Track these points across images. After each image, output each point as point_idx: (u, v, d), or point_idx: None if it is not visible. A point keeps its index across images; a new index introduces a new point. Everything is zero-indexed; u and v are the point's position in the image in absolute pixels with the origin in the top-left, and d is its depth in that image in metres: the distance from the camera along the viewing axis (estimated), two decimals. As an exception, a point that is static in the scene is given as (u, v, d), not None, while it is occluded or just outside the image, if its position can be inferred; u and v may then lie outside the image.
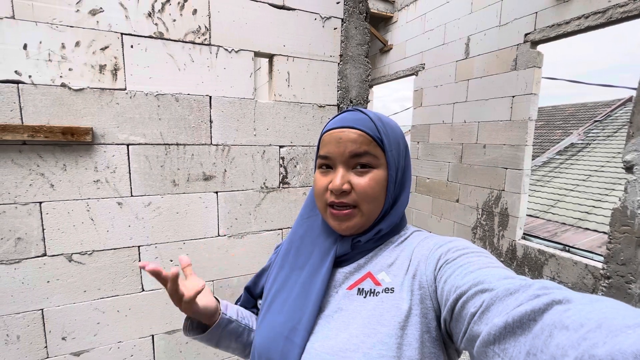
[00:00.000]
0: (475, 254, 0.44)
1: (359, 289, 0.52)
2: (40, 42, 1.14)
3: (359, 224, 0.53)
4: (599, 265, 2.52)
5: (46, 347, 1.26)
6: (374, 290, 0.50)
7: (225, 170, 1.48)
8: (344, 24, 1.64)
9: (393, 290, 0.49)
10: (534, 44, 3.02)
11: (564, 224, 4.14)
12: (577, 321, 0.27)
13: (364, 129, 0.52)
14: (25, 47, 1.12)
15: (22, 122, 1.14)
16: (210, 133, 1.43)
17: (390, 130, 0.54)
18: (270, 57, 1.52)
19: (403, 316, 0.46)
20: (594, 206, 4.32)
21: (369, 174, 0.52)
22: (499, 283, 0.36)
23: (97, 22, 1.20)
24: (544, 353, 0.27)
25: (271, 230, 1.61)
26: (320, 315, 0.52)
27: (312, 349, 0.49)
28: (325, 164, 0.55)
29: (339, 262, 0.56)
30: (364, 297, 0.50)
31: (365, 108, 1.77)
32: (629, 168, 2.06)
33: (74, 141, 1.19)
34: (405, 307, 0.46)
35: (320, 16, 1.57)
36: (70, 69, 1.19)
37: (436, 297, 0.46)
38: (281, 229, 1.64)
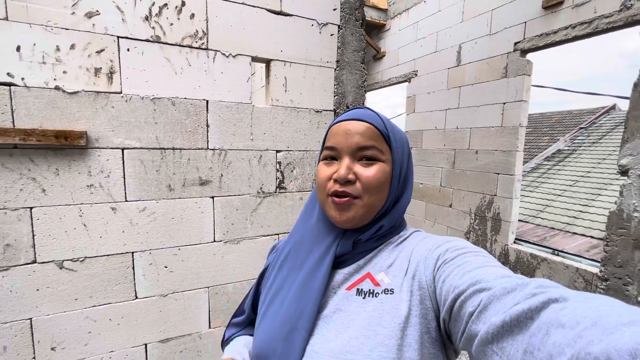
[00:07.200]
0: (473, 254, 0.45)
1: (358, 289, 0.51)
2: (34, 44, 1.12)
3: (359, 215, 0.52)
4: (590, 268, 2.56)
5: (34, 357, 1.22)
6: (373, 290, 0.50)
7: (222, 175, 1.46)
8: (341, 31, 1.65)
9: (393, 292, 0.49)
10: (524, 52, 3.10)
11: (553, 228, 4.20)
12: (573, 319, 0.27)
13: (373, 122, 0.53)
14: (18, 49, 1.10)
15: (14, 126, 1.12)
16: (207, 137, 1.42)
17: (396, 131, 0.56)
18: (268, 62, 1.52)
19: (403, 317, 0.45)
20: (581, 211, 4.41)
21: (374, 166, 0.52)
22: (496, 282, 0.36)
23: (93, 25, 1.19)
24: (541, 351, 0.27)
25: (268, 235, 1.60)
26: (318, 316, 0.51)
27: (313, 351, 0.48)
28: (330, 156, 0.55)
29: (338, 262, 0.55)
30: (363, 298, 0.50)
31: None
32: (624, 172, 2.08)
33: (67, 145, 1.17)
34: (405, 308, 0.46)
35: (317, 22, 1.59)
36: (64, 72, 1.17)
37: (435, 297, 0.46)
38: (278, 235, 1.62)
